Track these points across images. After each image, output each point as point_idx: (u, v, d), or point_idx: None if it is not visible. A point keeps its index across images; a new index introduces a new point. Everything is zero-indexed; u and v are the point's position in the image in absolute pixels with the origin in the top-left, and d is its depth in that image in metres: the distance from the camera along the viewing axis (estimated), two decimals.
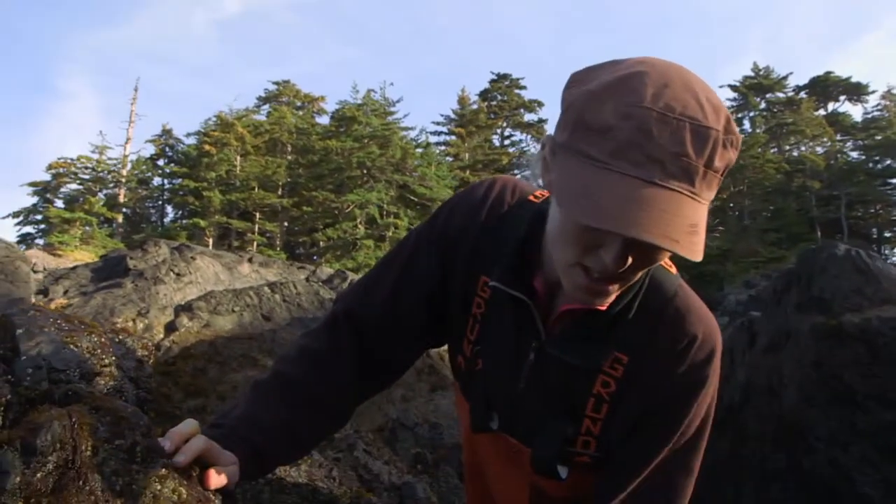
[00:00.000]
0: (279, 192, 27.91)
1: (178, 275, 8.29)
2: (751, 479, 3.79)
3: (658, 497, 0.97)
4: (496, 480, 1.22)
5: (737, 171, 26.96)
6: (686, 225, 0.70)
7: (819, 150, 29.34)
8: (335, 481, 1.85)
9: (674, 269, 0.99)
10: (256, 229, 27.11)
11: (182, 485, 0.81)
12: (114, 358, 1.80)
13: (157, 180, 31.72)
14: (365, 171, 26.25)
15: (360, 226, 25.18)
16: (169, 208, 31.75)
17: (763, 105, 32.39)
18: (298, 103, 33.13)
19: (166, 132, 31.48)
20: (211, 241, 25.54)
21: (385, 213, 25.91)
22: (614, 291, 0.84)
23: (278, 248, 26.34)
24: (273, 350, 6.57)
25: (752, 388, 4.18)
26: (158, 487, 0.75)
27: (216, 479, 0.88)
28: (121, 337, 2.47)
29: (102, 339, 1.83)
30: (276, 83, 33.30)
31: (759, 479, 3.78)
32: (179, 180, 29.20)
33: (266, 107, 32.83)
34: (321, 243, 25.11)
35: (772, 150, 29.77)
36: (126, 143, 29.56)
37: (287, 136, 29.55)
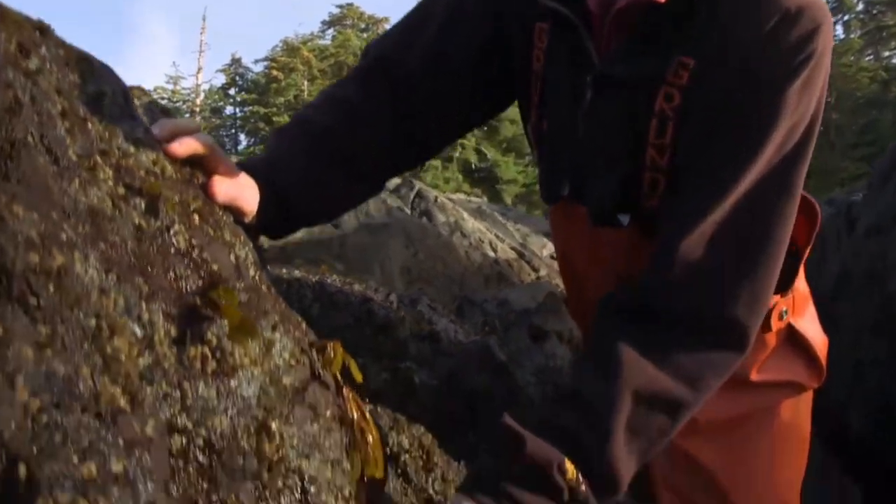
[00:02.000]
0: None
1: None
2: (843, 373, 3.55)
3: (755, 224, 0.78)
4: (585, 278, 1.09)
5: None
6: None
7: None
8: (393, 307, 1.71)
9: None
10: None
11: (167, 160, 0.64)
12: None
13: (228, 109, 32.40)
14: None
15: None
16: (242, 136, 32.43)
17: (860, 6, 29.63)
18: (362, 25, 32.80)
19: (235, 61, 31.89)
20: None
21: None
22: None
23: None
24: (341, 254, 6.63)
25: (848, 276, 3.88)
26: (131, 150, 0.59)
27: (224, 189, 0.73)
28: None
29: None
30: (340, 6, 33.05)
31: (851, 371, 3.54)
32: (250, 108, 29.69)
33: (331, 31, 32.72)
34: None
35: (867, 58, 27.38)
36: (198, 72, 30.16)
37: (352, 58, 29.30)
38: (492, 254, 6.85)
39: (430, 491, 1.15)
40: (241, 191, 0.81)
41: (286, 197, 0.90)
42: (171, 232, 0.62)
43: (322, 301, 1.56)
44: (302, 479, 0.52)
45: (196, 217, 0.68)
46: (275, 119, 26.90)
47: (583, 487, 0.75)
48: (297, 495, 0.52)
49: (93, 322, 0.45)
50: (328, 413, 0.58)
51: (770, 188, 0.80)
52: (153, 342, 0.48)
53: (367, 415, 0.64)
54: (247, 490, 0.48)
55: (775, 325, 1.02)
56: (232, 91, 31.97)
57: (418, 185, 10.52)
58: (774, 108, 0.76)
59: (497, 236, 8.35)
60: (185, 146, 0.74)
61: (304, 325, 0.64)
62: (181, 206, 0.66)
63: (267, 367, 0.54)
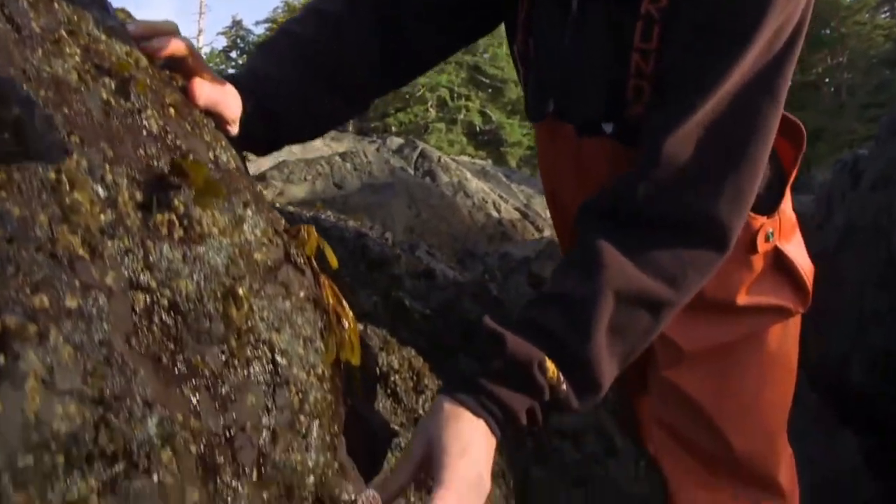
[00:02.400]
0: None
1: None
2: (845, 326, 3.55)
3: (739, 125, 0.77)
4: (572, 204, 1.08)
5: (836, 42, 24.51)
6: None
7: None
8: (388, 243, 1.70)
9: None
10: None
11: (143, 55, 0.62)
12: None
13: (230, 72, 32.12)
14: None
15: (431, 109, 24.82)
16: None
17: None
18: None
19: (236, 23, 31.48)
20: None
21: (456, 95, 25.28)
22: None
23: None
24: (344, 213, 6.63)
25: (852, 230, 3.86)
26: (102, 37, 0.57)
27: (206, 92, 0.71)
28: None
29: None
30: None
31: (854, 324, 3.54)
32: None
33: None
34: (393, 128, 24.94)
35: (883, 14, 26.77)
36: (198, 35, 29.80)
37: None
38: (495, 214, 6.84)
39: (420, 411, 1.16)
40: (223, 96, 0.80)
41: (272, 110, 0.89)
42: (143, 116, 0.60)
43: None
44: (272, 352, 0.52)
45: (172, 111, 0.67)
46: None
47: (563, 387, 0.74)
48: (268, 367, 0.51)
49: (52, 175, 0.44)
50: (301, 294, 0.58)
51: (755, 90, 0.79)
52: (117, 203, 0.47)
53: (344, 302, 0.63)
54: (213, 353, 0.48)
55: (761, 246, 1.01)
56: (234, 54, 31.56)
57: (421, 145, 10.46)
58: (761, 9, 0.75)
59: (501, 197, 8.32)
60: (164, 45, 0.72)
61: (277, 214, 0.63)
62: (155, 95, 0.65)
63: (237, 240, 0.53)
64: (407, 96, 25.98)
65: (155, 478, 0.38)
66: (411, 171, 8.70)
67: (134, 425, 0.38)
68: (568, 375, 0.74)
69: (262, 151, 0.99)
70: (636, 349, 0.79)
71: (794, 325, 1.12)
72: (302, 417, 0.53)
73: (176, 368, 0.44)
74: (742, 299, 1.04)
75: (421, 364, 1.20)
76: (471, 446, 0.70)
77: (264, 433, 0.49)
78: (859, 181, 4.03)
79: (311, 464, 0.52)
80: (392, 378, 1.12)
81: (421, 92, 25.42)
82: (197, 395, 0.45)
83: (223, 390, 0.47)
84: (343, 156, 8.53)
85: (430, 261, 2.32)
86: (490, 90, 25.63)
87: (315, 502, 0.53)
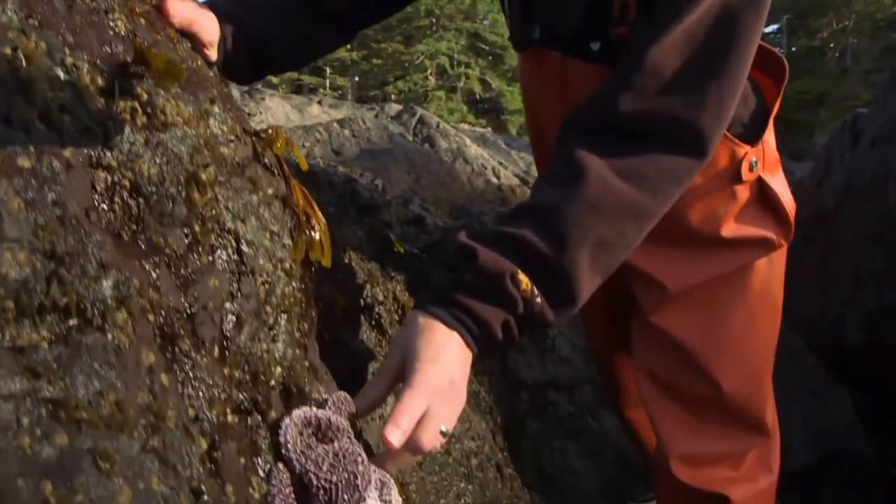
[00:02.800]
0: (348, 46, 27.43)
1: (248, 115, 8.37)
2: (841, 285, 3.55)
3: (722, 37, 0.79)
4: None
5: (842, 5, 24.11)
6: None
7: None
8: (378, 189, 1.70)
9: None
10: (328, 84, 26.93)
11: None
12: None
13: None
14: (434, 20, 25.26)
15: (430, 77, 24.59)
16: None
17: None
18: None
19: None
20: None
21: (456, 63, 25.04)
22: None
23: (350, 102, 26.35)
24: None
25: (851, 189, 3.83)
26: None
27: (181, 11, 0.70)
28: None
29: None
30: None
31: (851, 284, 3.54)
32: None
33: None
34: (392, 96, 24.74)
35: None
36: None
37: None
38: (495, 180, 6.82)
39: None
40: (199, 17, 0.79)
41: (252, 36, 0.87)
42: (110, 17, 0.59)
43: (302, 179, 1.55)
44: (237, 241, 0.52)
45: (142, 21, 0.66)
46: None
47: (538, 300, 0.74)
48: (233, 255, 0.52)
49: (8, 51, 0.43)
50: (269, 191, 0.58)
51: (741, 3, 0.78)
52: (77, 86, 0.47)
53: (315, 206, 0.63)
54: (176, 235, 0.48)
55: (746, 175, 1.01)
56: None
57: (420, 111, 10.39)
58: None
59: (500, 163, 8.28)
60: None
61: (246, 116, 0.63)
62: (123, 2, 0.64)
63: (202, 132, 0.53)
64: (406, 64, 25.72)
65: (109, 336, 0.38)
66: (410, 138, 8.66)
67: (88, 283, 0.38)
68: (542, 288, 0.73)
69: (242, 80, 0.98)
70: (615, 259, 0.78)
71: (779, 261, 1.11)
72: (269, 308, 0.53)
73: (137, 245, 0.44)
74: (727, 231, 1.03)
75: (406, 298, 1.20)
76: (443, 353, 0.69)
77: (229, 317, 0.49)
78: (859, 140, 4.01)
79: (278, 355, 0.53)
80: (376, 310, 1.13)
81: (420, 60, 25.16)
82: (157, 270, 0.45)
83: (185, 272, 0.47)
84: (341, 122, 8.49)
85: (425, 214, 2.32)
86: (490, 57, 25.35)
87: (283, 392, 0.53)
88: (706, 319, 1.08)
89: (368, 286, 1.15)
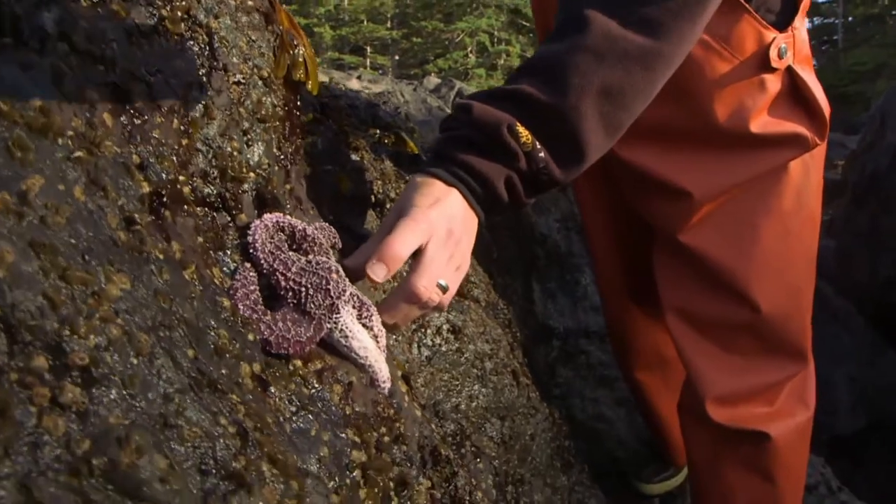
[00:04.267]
0: (388, 25, 27.35)
1: None
2: (893, 248, 3.41)
3: None
4: None
5: None
6: None
7: None
8: (401, 115, 1.67)
9: None
10: (368, 63, 26.98)
11: None
12: None
13: None
14: None
15: (471, 55, 24.37)
16: None
17: None
18: None
19: None
20: None
21: (496, 40, 24.75)
22: None
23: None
24: None
25: None
26: None
27: None
28: None
29: None
30: None
31: None
32: None
33: None
34: (432, 75, 24.66)
35: None
36: None
37: None
38: None
39: None
40: None
41: None
42: None
43: (323, 100, 1.53)
44: (209, 36, 0.49)
45: None
46: (316, 30, 26.50)
47: (541, 154, 0.70)
48: (204, 49, 0.49)
49: None
50: (249, 2, 0.55)
51: None
52: None
53: (302, 32, 0.60)
54: (140, 12, 0.45)
55: (775, 62, 0.94)
56: None
57: (458, 84, 10.31)
58: None
59: None
60: None
61: None
62: None
63: None
64: (446, 42, 25.56)
65: (47, 61, 0.36)
66: (448, 110, 8.60)
67: (28, 8, 0.36)
68: (544, 140, 0.69)
69: None
70: (627, 111, 0.71)
71: (816, 170, 1.04)
72: (242, 111, 0.50)
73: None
74: (756, 126, 0.96)
75: None
76: (443, 200, 0.66)
77: (197, 106, 0.46)
78: None
79: (252, 161, 0.50)
80: (388, 206, 1.10)
81: (460, 37, 24.95)
82: (114, 33, 0.43)
83: (150, 47, 0.44)
84: (379, 96, 8.48)
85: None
86: (531, 34, 24.96)
87: (257, 199, 0.51)
88: (738, 233, 1.01)
89: (380, 182, 1.12)
